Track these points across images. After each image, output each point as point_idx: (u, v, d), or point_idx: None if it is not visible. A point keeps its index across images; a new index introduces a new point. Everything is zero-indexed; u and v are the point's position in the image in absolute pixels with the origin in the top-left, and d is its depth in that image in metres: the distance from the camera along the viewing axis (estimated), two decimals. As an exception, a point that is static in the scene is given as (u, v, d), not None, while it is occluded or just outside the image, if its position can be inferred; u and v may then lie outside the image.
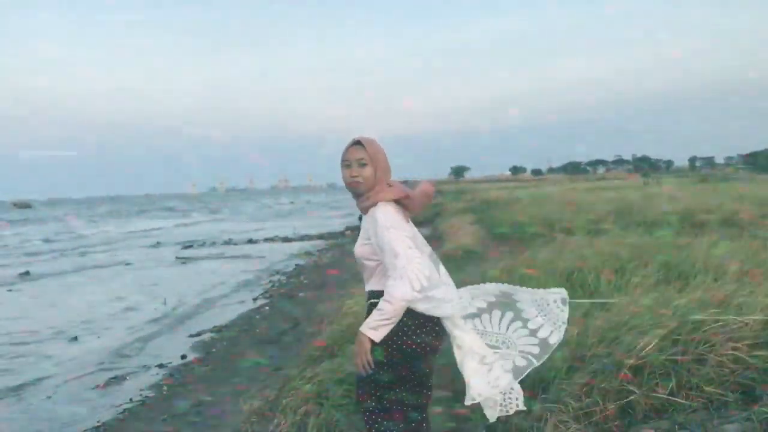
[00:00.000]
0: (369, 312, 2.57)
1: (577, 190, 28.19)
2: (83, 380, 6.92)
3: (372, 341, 2.41)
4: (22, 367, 7.45)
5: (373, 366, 2.43)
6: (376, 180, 2.64)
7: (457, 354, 2.69)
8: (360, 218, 2.74)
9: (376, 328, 2.40)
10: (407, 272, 2.37)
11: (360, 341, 2.43)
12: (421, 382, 2.61)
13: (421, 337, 2.50)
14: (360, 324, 2.47)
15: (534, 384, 3.51)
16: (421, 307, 2.43)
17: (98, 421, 5.47)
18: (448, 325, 2.64)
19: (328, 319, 5.84)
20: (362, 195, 2.66)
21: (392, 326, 2.41)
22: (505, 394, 2.69)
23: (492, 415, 2.69)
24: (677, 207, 12.69)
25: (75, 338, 8.82)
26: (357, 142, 2.68)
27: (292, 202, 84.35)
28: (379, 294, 2.52)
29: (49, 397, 6.40)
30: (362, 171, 2.64)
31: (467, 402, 2.66)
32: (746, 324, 3.42)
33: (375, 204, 2.59)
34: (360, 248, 2.65)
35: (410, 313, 2.44)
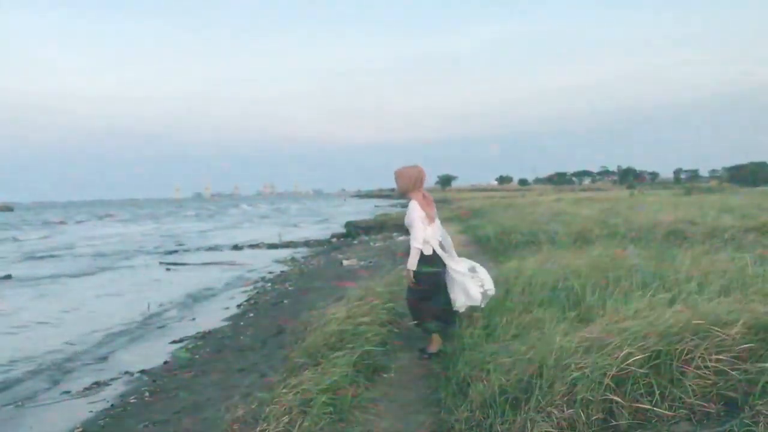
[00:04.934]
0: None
1: (563, 201, 28.33)
2: (64, 385, 6.84)
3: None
4: (2, 373, 7.34)
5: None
6: (405, 188, 5.25)
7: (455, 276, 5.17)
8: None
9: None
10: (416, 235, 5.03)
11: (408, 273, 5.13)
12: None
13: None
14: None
15: (517, 393, 3.50)
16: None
17: (79, 427, 5.41)
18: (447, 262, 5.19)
19: (312, 326, 5.80)
20: (404, 196, 5.34)
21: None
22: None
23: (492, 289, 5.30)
24: (664, 219, 12.78)
25: (56, 344, 8.71)
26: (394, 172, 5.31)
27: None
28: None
29: (29, 402, 6.33)
30: (396, 187, 5.38)
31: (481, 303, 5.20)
32: (728, 335, 3.44)
33: (410, 199, 5.16)
34: (405, 220, 5.17)
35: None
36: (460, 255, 5.55)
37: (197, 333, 8.81)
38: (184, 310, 11.11)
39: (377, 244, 19.13)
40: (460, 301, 5.16)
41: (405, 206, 5.67)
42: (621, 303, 4.82)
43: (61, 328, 9.80)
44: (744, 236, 9.73)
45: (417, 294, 5.18)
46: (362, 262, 14.10)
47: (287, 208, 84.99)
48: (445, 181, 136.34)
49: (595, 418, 3.21)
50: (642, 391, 3.29)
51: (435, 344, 5.20)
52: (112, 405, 5.96)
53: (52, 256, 23.52)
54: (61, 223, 56.36)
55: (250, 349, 7.35)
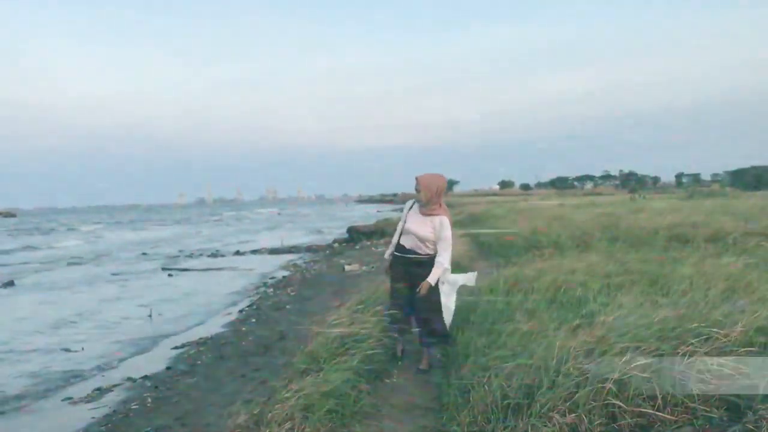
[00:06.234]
0: (404, 264, 5.14)
1: (565, 206, 28.31)
2: (66, 392, 6.84)
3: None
4: (3, 380, 7.35)
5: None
6: (427, 198, 5.03)
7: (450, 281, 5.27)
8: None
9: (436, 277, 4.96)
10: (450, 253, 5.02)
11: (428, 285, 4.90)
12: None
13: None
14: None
15: (518, 398, 3.50)
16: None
17: (80, 434, 5.41)
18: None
19: (313, 331, 5.80)
20: (424, 206, 5.07)
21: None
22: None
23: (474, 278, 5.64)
24: (664, 222, 12.76)
25: (58, 350, 8.72)
26: (416, 178, 5.07)
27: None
28: (431, 256, 5.05)
29: (31, 409, 6.33)
30: (419, 194, 5.09)
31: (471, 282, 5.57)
32: (729, 339, 3.43)
33: (438, 215, 5.02)
34: (424, 232, 5.00)
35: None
36: (462, 260, 5.59)
37: (199, 339, 8.80)
38: (186, 316, 11.10)
39: (380, 249, 19.12)
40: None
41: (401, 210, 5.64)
42: (623, 307, 4.82)
43: (63, 335, 9.79)
44: (746, 240, 9.70)
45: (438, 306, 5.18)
46: (365, 267, 14.10)
47: (303, 213, 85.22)
48: (448, 185, 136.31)
49: (597, 423, 3.21)
50: (644, 395, 3.28)
51: (426, 360, 5.28)
52: (114, 411, 5.96)
53: (88, 262, 23.53)
54: (90, 228, 56.28)
55: (252, 354, 7.35)
